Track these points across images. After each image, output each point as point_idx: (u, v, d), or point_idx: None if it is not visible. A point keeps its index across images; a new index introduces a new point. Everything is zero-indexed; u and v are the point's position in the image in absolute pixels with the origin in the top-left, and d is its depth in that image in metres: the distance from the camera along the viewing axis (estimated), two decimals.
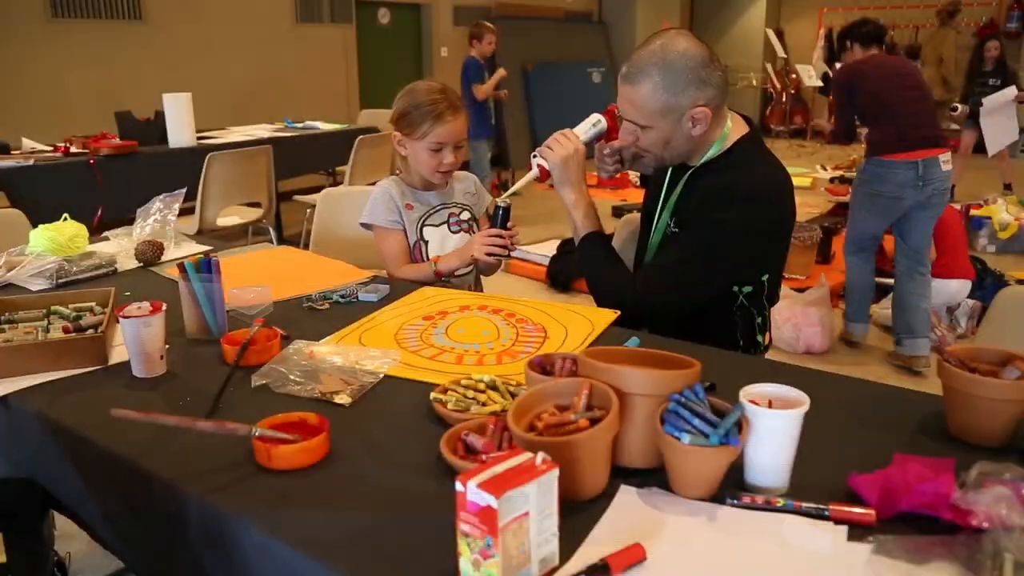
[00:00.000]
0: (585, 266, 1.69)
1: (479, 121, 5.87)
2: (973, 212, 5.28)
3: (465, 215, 1.96)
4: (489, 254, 1.75)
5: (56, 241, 1.86)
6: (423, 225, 1.91)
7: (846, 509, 0.85)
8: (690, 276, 1.54)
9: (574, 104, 9.29)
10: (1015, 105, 5.76)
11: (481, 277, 2.04)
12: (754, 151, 1.60)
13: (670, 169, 1.67)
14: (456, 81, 8.69)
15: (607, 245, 1.69)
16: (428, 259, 1.89)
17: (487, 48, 5.97)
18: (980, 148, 9.66)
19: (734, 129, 1.59)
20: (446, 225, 1.93)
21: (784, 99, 10.76)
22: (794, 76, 10.51)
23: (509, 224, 1.77)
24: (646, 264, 1.67)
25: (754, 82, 11.30)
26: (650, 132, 1.52)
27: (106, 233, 2.13)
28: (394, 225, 1.89)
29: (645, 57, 1.48)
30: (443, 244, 1.91)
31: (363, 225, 1.92)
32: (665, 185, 1.67)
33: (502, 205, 1.76)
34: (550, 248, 4.74)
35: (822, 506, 0.86)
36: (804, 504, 0.86)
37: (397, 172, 1.99)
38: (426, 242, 1.91)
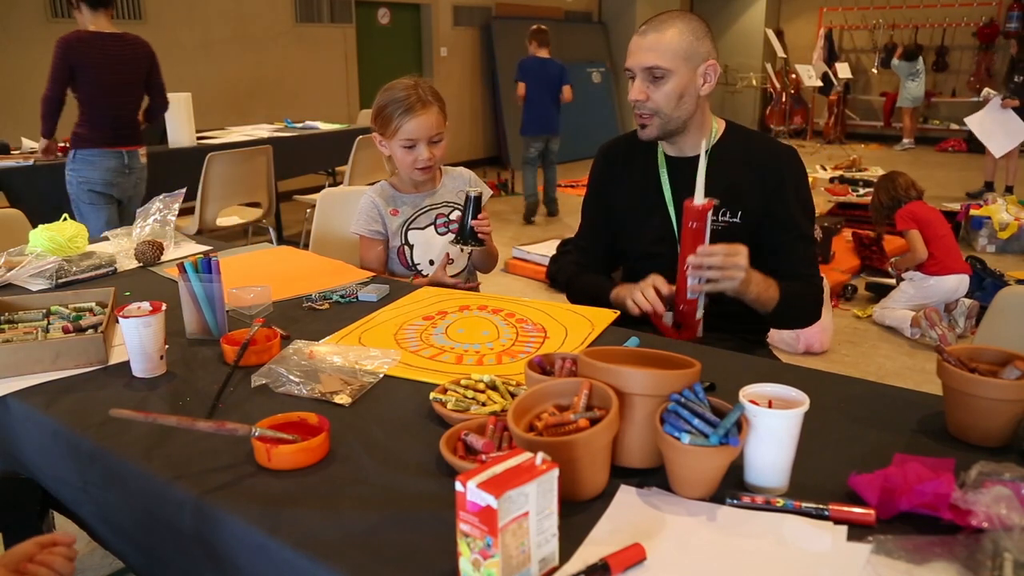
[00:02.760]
0: (797, 309, 1.66)
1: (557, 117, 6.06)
2: (973, 212, 5.28)
3: (456, 215, 1.92)
4: (455, 242, 1.73)
5: (56, 241, 1.86)
6: (407, 229, 1.90)
7: (846, 509, 0.85)
8: (814, 242, 1.73)
9: (574, 103, 9.31)
10: (1008, 110, 6.10)
11: (479, 276, 2.03)
12: (748, 128, 1.76)
13: (667, 166, 1.68)
14: (460, 84, 8.70)
15: (789, 284, 1.62)
16: (414, 263, 1.90)
17: None
18: (978, 149, 9.73)
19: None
20: (433, 227, 1.91)
21: (784, 99, 10.76)
22: (794, 76, 10.51)
23: (480, 216, 1.74)
24: (790, 251, 1.65)
25: (754, 82, 11.30)
26: (668, 82, 1.55)
27: (106, 233, 2.13)
28: (375, 235, 1.89)
29: (663, 16, 1.60)
30: (429, 247, 1.90)
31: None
32: (667, 179, 1.68)
33: (473, 195, 1.73)
34: (550, 248, 4.74)
35: (822, 506, 0.86)
36: (804, 504, 0.86)
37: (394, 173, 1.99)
38: (411, 246, 1.90)
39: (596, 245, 1.81)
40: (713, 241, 1.63)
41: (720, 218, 1.63)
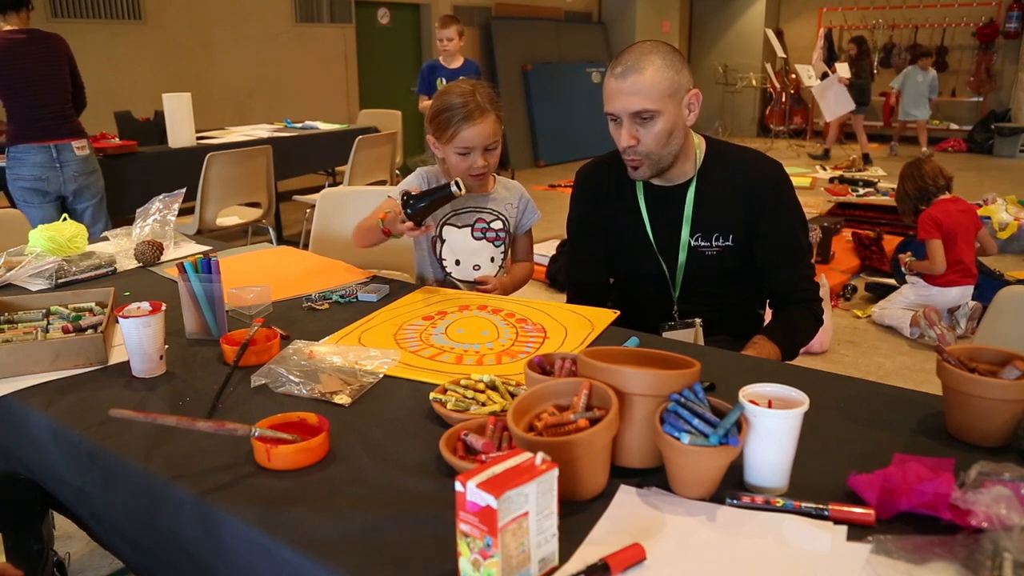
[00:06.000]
0: (799, 340, 1.66)
1: None
2: None
3: (497, 224, 1.88)
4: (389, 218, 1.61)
5: (56, 241, 1.86)
6: (445, 223, 1.85)
7: (845, 509, 0.85)
8: (810, 253, 1.74)
9: (574, 104, 9.33)
10: (842, 86, 8.34)
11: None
12: (729, 143, 1.73)
13: (645, 197, 1.67)
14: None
15: (781, 326, 1.66)
16: (441, 257, 1.86)
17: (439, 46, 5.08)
18: (978, 149, 9.71)
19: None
20: (470, 228, 1.86)
21: (784, 99, 10.76)
22: (793, 76, 10.51)
23: (487, 284, 1.76)
24: (786, 268, 1.65)
25: (753, 82, 11.29)
26: (656, 122, 1.51)
27: (105, 233, 2.13)
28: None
29: (636, 52, 1.53)
30: (461, 247, 1.85)
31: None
32: (646, 210, 1.67)
33: (452, 190, 1.57)
34: (550, 248, 4.74)
35: (822, 506, 0.86)
36: (804, 504, 0.86)
37: (399, 173, 1.97)
38: (443, 240, 1.85)
39: (593, 271, 1.79)
40: (707, 266, 1.65)
41: (713, 243, 1.63)
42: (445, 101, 1.76)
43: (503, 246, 1.91)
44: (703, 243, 1.64)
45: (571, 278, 1.87)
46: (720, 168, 1.64)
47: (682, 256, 1.66)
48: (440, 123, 1.76)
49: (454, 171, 1.81)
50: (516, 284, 1.95)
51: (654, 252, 1.68)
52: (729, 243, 1.63)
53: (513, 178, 7.35)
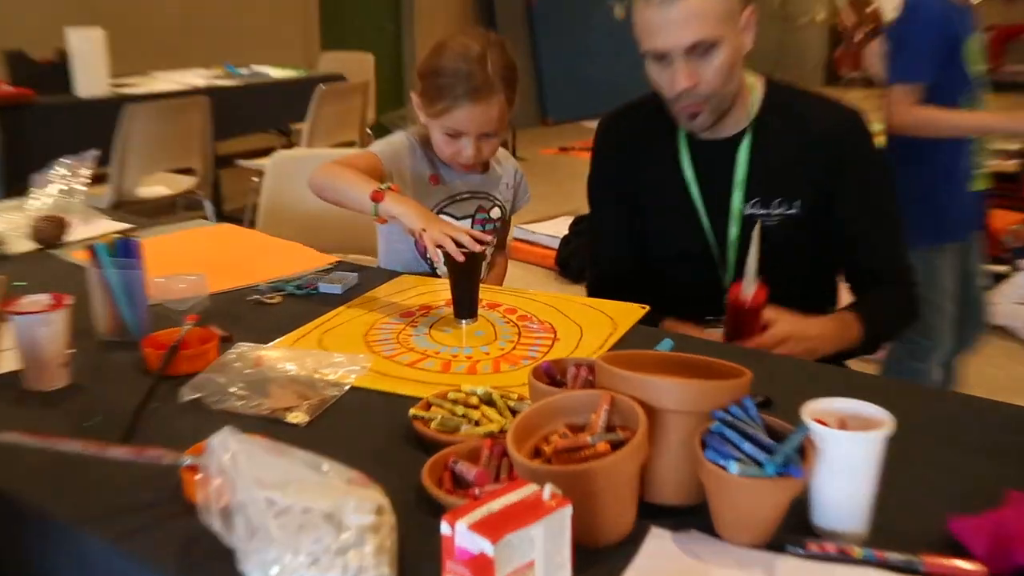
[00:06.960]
0: (888, 326, 1.70)
1: None
2: None
3: (496, 212, 1.89)
4: (440, 246, 1.44)
5: None
6: (442, 211, 1.83)
7: (946, 562, 0.85)
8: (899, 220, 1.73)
9: (590, 47, 9.32)
10: None
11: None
12: (793, 87, 1.73)
13: (689, 152, 1.67)
14: (447, 29, 8.66)
15: (868, 306, 1.66)
16: (434, 256, 1.68)
17: None
18: None
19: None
20: (471, 220, 1.86)
21: (858, 39, 10.75)
22: (871, 9, 10.50)
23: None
24: (870, 241, 1.66)
25: (818, 18, 11.30)
26: (717, 54, 1.50)
27: None
28: (387, 162, 1.75)
29: None
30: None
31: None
32: (691, 169, 1.66)
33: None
34: (560, 227, 4.75)
35: (914, 558, 0.85)
36: (890, 555, 0.86)
37: (371, 133, 1.95)
38: None
39: (625, 251, 1.78)
40: (769, 239, 1.60)
41: (773, 211, 1.63)
42: (444, 64, 1.70)
43: (498, 238, 1.93)
44: (760, 211, 1.64)
45: (594, 261, 1.87)
46: (782, 117, 1.64)
47: (734, 230, 1.65)
48: (432, 89, 1.71)
49: (436, 151, 1.80)
50: (502, 281, 1.97)
51: (700, 224, 1.67)
52: (794, 211, 1.63)
53: (514, 136, 7.33)
